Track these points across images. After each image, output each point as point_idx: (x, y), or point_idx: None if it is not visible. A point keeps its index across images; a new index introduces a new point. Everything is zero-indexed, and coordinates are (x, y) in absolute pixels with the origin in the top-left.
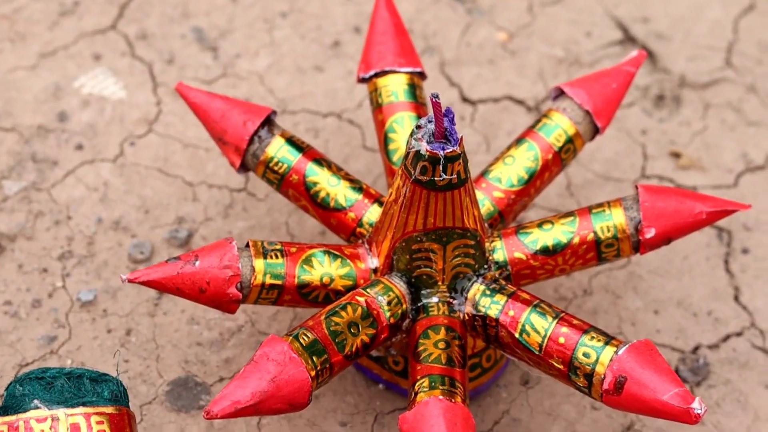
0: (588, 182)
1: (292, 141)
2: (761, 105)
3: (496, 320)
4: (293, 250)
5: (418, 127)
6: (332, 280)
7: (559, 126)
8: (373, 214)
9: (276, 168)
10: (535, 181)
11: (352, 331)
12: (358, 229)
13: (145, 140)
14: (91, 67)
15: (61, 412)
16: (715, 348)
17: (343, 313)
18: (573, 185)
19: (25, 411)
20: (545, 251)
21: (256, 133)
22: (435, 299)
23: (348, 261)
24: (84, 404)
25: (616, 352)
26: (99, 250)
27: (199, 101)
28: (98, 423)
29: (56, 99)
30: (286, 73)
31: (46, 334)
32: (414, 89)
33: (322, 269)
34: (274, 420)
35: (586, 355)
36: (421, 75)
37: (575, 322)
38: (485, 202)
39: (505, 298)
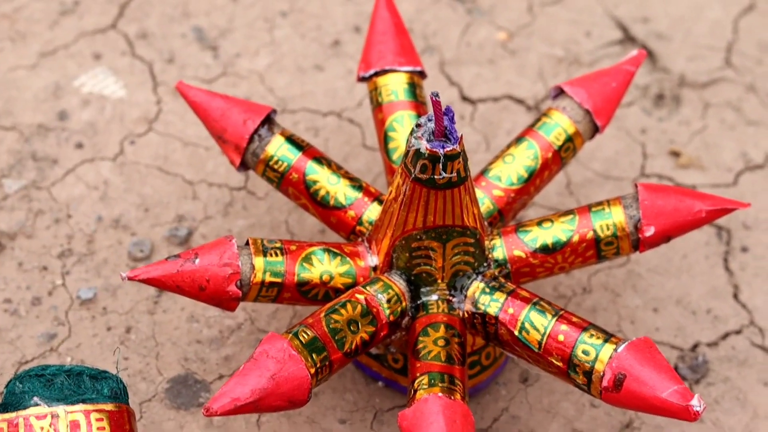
0: (588, 181)
1: (292, 139)
2: (761, 104)
3: (496, 318)
4: (293, 248)
5: (418, 125)
6: (332, 278)
7: (559, 125)
8: (372, 212)
9: (276, 166)
10: (534, 180)
11: (351, 328)
12: (358, 228)
13: (145, 139)
14: (91, 66)
15: (60, 409)
16: (714, 346)
17: (342, 311)
18: (573, 184)
19: (24, 408)
20: (545, 249)
21: (256, 131)
22: (434, 297)
23: (348, 259)
24: (84, 401)
25: (615, 350)
26: (99, 248)
27: (200, 100)
28: (98, 420)
29: (56, 98)
30: (286, 72)
31: (45, 332)
32: (414, 88)
33: (322, 267)
34: (273, 417)
35: (585, 352)
36: (421, 74)
37: (574, 319)
38: (485, 200)
39: (504, 295)
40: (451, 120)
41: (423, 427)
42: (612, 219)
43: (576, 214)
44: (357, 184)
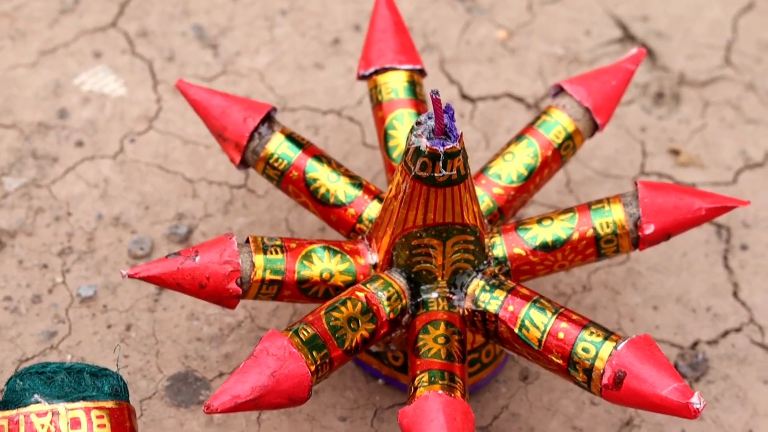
0: (587, 179)
1: (292, 137)
2: (760, 103)
3: (496, 315)
4: (293, 245)
5: (418, 123)
6: (332, 276)
7: (559, 123)
8: (372, 210)
9: (276, 164)
10: (534, 178)
11: (351, 326)
12: (358, 225)
13: (145, 137)
14: (91, 64)
15: (61, 406)
16: (714, 344)
17: (342, 309)
18: (572, 182)
19: (25, 405)
20: (545, 247)
21: (256, 129)
22: (435, 295)
23: (348, 257)
24: (84, 399)
25: (615, 347)
26: (99, 246)
27: (200, 98)
28: (98, 417)
29: (56, 96)
30: (286, 70)
31: (46, 330)
32: (414, 86)
33: (322, 265)
34: (273, 415)
35: (585, 350)
36: (421, 72)
37: (574, 317)
38: (485, 198)
39: (504, 293)
40: (451, 118)
41: (423, 424)
42: (612, 217)
43: (576, 212)
44: (357, 182)
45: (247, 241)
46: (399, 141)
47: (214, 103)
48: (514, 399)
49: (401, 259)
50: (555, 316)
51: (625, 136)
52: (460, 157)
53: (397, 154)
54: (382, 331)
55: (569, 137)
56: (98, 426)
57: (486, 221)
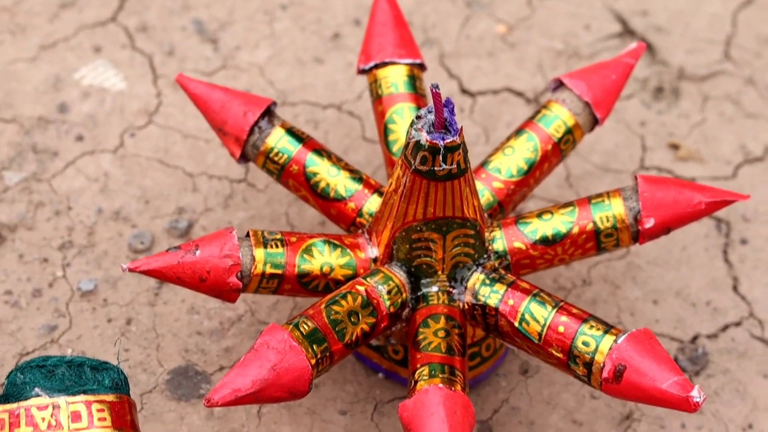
0: (587, 173)
1: (292, 132)
2: (759, 97)
3: (496, 309)
4: (293, 239)
5: (418, 117)
6: (332, 270)
7: (559, 117)
8: (372, 204)
9: (276, 158)
10: (534, 172)
11: (352, 319)
12: (358, 219)
13: (146, 131)
14: (91, 59)
15: (62, 400)
16: (714, 338)
17: (343, 302)
18: (572, 176)
19: (26, 399)
20: (545, 241)
21: (256, 123)
22: (435, 288)
23: (348, 250)
24: (85, 392)
25: (615, 341)
26: (99, 240)
27: (200, 92)
28: (99, 411)
29: (56, 90)
30: (286, 64)
31: (46, 324)
32: (414, 80)
33: (322, 259)
34: (273, 408)
35: (585, 343)
36: (421, 66)
37: (574, 311)
38: (485, 192)
39: (504, 287)
40: (451, 112)
41: (423, 417)
42: (612, 211)
43: (576, 206)
44: (357, 176)
45: (248, 235)
46: (399, 135)
47: (214, 97)
48: (515, 393)
49: (401, 253)
50: (555, 310)
51: (625, 131)
52: (460, 150)
53: (397, 148)
54: (382, 325)
55: (569, 131)
56: (99, 419)
57: (486, 215)
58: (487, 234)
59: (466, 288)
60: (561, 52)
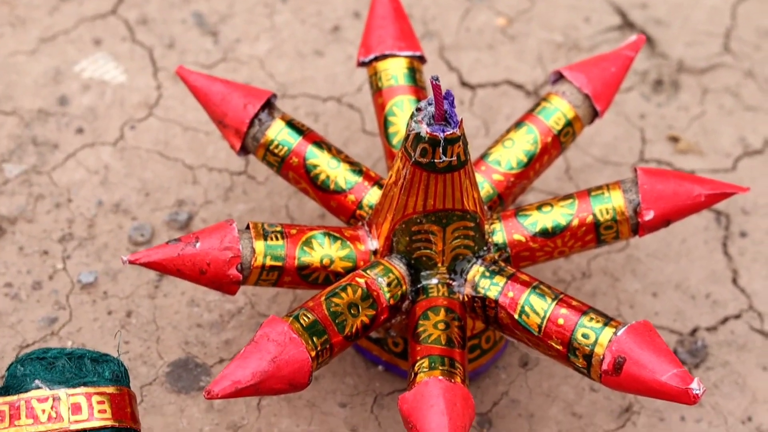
0: (587, 166)
1: (292, 124)
2: (759, 90)
3: (496, 301)
4: (293, 231)
5: (419, 109)
6: (332, 262)
7: (559, 109)
8: (372, 196)
9: (276, 151)
10: (534, 164)
11: (352, 312)
12: (358, 212)
13: (146, 124)
14: (91, 51)
15: (62, 392)
16: (714, 330)
17: (343, 294)
18: (572, 169)
19: (26, 391)
20: (544, 233)
21: (256, 116)
22: (434, 281)
23: (348, 243)
24: (85, 384)
25: (615, 333)
26: (99, 232)
27: (200, 84)
28: (99, 403)
29: (56, 83)
30: (286, 57)
31: (46, 316)
32: (414, 73)
33: (322, 251)
34: (273, 401)
35: (585, 336)
36: (421, 59)
37: (574, 303)
38: (485, 184)
39: (504, 279)
40: (451, 104)
41: (423, 409)
42: (611, 203)
43: (575, 199)
44: (357, 168)
45: (248, 227)
46: (399, 127)
47: (214, 89)
48: (514, 385)
49: (401, 246)
50: (555, 302)
51: (625, 123)
52: (460, 143)
53: (397, 140)
54: (382, 317)
55: (569, 123)
56: (99, 411)
57: (486, 207)
58: (487, 226)
59: (465, 280)
60: (561, 45)
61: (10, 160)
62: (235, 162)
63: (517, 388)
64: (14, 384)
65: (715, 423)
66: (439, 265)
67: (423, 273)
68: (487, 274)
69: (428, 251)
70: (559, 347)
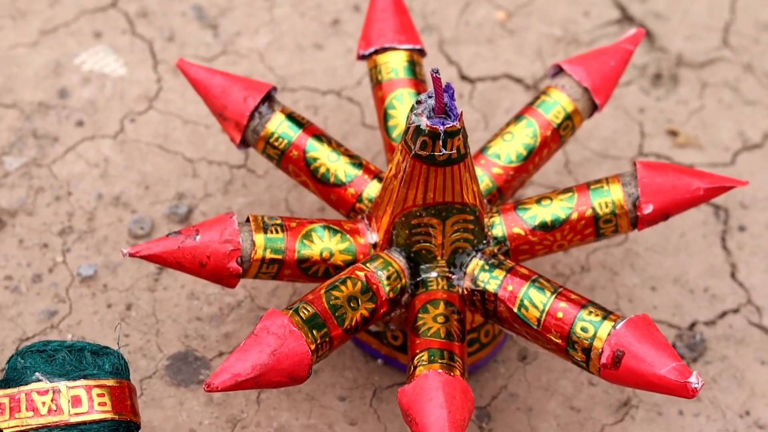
0: (586, 160)
1: (292, 117)
2: (758, 84)
3: (495, 295)
4: (293, 224)
5: (419, 102)
6: (332, 255)
7: (558, 103)
8: (372, 189)
9: (276, 144)
10: (533, 158)
11: (351, 305)
12: (358, 205)
13: (146, 117)
14: (91, 44)
15: (62, 384)
16: (712, 324)
17: (342, 288)
18: (571, 163)
19: (26, 384)
20: (544, 227)
21: (256, 108)
22: (434, 274)
23: (348, 236)
24: (85, 377)
25: (614, 327)
26: (99, 225)
27: (200, 77)
28: (99, 395)
29: (57, 76)
30: (285, 50)
31: (46, 309)
32: (413, 66)
33: (322, 244)
34: (273, 394)
35: (584, 329)
36: (421, 52)
37: (573, 297)
38: (484, 178)
39: (503, 273)
40: (451, 97)
41: (423, 403)
42: (611, 197)
43: (575, 192)
44: (357, 161)
45: (248, 220)
46: (399, 120)
47: (214, 82)
48: (513, 379)
49: (401, 239)
50: (554, 296)
51: (624, 117)
52: (460, 136)
53: (396, 133)
54: (381, 311)
55: (568, 117)
56: (99, 404)
57: (485, 201)
58: (486, 220)
59: (465, 273)
60: (560, 39)
61: (11, 152)
62: (235, 155)
63: (515, 382)
64: (14, 376)
65: (713, 417)
66: (439, 258)
67: (422, 266)
68: (487, 267)
69: (428, 244)
70: (558, 341)
